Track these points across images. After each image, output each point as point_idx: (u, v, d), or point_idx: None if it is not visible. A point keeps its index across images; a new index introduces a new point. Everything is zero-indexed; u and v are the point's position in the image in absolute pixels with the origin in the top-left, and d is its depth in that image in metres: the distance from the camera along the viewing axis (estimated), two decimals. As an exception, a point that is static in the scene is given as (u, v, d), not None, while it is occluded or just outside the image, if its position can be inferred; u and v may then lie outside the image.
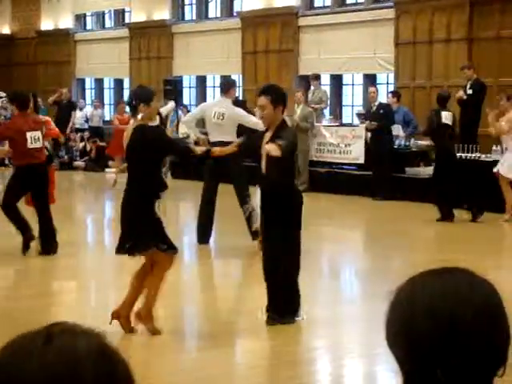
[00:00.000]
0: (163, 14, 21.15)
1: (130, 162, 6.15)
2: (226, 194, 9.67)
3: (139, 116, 6.11)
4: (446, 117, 11.77)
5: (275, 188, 6.24)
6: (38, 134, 8.91)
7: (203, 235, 9.63)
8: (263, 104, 6.22)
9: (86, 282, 8.38)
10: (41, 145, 8.98)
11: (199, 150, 6.71)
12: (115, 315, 6.02)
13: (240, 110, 10.06)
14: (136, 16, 21.83)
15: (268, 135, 6.26)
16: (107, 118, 22.54)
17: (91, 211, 14.64)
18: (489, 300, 1.36)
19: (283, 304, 6.31)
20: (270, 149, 5.91)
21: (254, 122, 9.37)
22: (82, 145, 20.88)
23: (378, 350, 5.51)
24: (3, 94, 23.92)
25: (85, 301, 7.66)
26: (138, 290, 6.06)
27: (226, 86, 10.25)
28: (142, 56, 21.83)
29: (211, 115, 9.76)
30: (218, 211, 9.74)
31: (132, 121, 6.40)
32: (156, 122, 9.08)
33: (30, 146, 8.74)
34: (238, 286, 8.41)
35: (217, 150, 6.68)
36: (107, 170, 19.72)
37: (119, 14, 23.23)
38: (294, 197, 6.31)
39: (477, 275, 1.41)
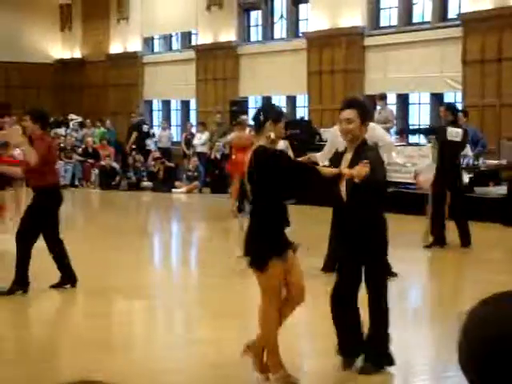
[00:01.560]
0: (229, 35, 21.37)
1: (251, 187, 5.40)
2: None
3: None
4: (453, 133, 11.18)
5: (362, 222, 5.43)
6: None
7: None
8: (351, 117, 5.50)
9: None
10: None
11: (329, 172, 5.47)
12: (245, 350, 5.47)
13: (380, 130, 9.06)
14: (202, 38, 22.11)
15: (348, 157, 5.55)
16: (175, 139, 22.84)
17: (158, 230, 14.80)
18: None
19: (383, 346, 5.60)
20: (355, 173, 5.21)
21: (389, 141, 9.14)
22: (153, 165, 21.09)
23: (449, 373, 5.42)
24: (75, 117, 24.53)
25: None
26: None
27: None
28: (208, 77, 22.07)
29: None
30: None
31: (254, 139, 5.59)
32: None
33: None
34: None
35: (347, 171, 5.35)
36: (174, 190, 19.96)
37: (186, 37, 23.57)
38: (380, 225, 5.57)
39: None
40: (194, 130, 21.85)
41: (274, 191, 5.22)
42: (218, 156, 19.75)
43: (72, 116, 24.68)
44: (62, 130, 23.58)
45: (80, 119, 24.48)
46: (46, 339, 6.96)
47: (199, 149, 20.59)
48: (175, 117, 24.49)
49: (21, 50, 25.38)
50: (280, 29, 20.92)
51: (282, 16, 20.76)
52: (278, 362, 5.28)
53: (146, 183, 20.87)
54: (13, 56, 25.22)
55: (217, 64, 21.73)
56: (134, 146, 21.95)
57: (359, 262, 5.47)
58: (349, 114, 5.51)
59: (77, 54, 26.28)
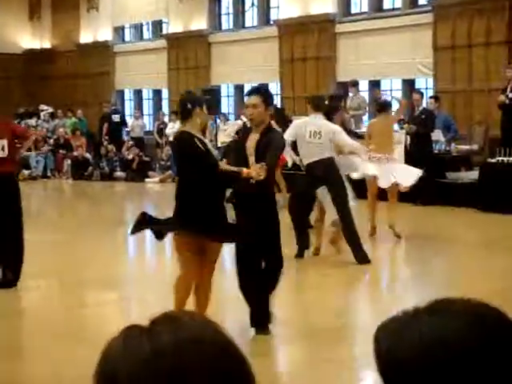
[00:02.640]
0: (200, 24, 21.29)
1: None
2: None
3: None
4: None
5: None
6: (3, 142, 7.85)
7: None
8: (255, 103, 6.16)
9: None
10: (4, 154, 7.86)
11: (229, 170, 6.09)
12: None
13: (342, 135, 9.10)
14: (173, 27, 22.00)
15: (254, 137, 6.23)
16: (147, 129, 22.75)
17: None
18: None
19: None
20: (254, 175, 5.78)
21: (350, 143, 9.20)
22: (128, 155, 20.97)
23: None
24: (46, 108, 24.31)
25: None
26: None
27: (318, 101, 9.33)
28: (180, 66, 21.97)
29: (305, 134, 8.94)
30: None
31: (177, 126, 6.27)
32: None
33: None
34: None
35: (246, 171, 5.92)
36: (147, 180, 19.89)
37: (157, 26, 23.43)
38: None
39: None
40: (166, 119, 21.76)
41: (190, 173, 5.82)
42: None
43: (43, 106, 24.45)
44: (32, 121, 23.37)
45: (51, 110, 24.27)
46: (18, 331, 6.92)
47: (172, 138, 20.50)
48: (147, 106, 24.37)
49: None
50: (251, 17, 20.88)
51: (253, 4, 20.71)
52: None
53: (119, 173, 20.77)
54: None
55: (188, 53, 21.64)
56: (106, 137, 21.86)
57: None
58: (253, 99, 6.15)
59: (46, 43, 26.02)
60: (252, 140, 6.21)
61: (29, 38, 26.24)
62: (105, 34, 24.18)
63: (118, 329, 1.17)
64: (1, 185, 7.74)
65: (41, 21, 26.01)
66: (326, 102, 9.91)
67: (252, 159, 6.11)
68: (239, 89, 21.40)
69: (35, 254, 8.75)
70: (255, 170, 5.79)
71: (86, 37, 24.71)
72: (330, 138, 8.92)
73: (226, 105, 21.61)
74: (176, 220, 5.85)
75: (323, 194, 9.17)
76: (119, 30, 24.34)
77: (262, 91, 6.38)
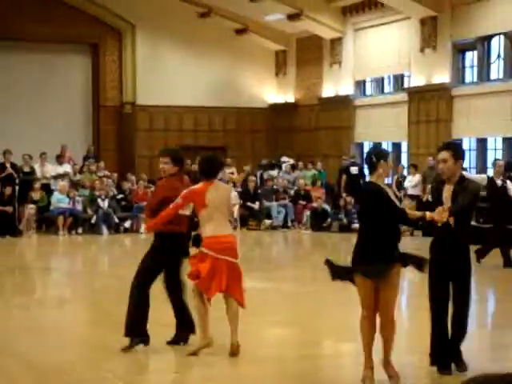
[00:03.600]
0: (443, 77, 21.07)
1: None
2: None
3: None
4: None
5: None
6: None
7: None
8: (444, 157, 6.67)
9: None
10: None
11: (413, 214, 6.67)
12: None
13: None
14: (415, 80, 21.95)
15: (448, 187, 6.73)
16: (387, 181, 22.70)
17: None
18: None
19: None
20: (436, 217, 6.42)
21: None
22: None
23: None
24: (287, 159, 25.11)
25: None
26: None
27: None
28: (420, 119, 21.84)
29: None
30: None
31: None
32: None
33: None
34: None
35: (429, 215, 6.59)
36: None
37: (398, 79, 23.51)
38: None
39: None
40: (405, 172, 21.63)
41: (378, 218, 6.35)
42: (430, 199, 19.39)
43: (284, 158, 25.28)
44: (274, 172, 24.22)
45: (292, 161, 25.01)
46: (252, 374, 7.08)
47: (410, 191, 20.35)
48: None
49: (238, 95, 26.43)
50: (497, 69, 20.34)
51: (499, 56, 20.19)
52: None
53: (357, 225, 20.82)
54: (230, 101, 26.31)
55: (429, 106, 21.46)
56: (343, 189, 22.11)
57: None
58: (443, 154, 6.69)
59: (290, 97, 26.96)
60: (447, 191, 6.73)
61: (274, 93, 27.34)
62: (346, 88, 24.63)
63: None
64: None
65: (286, 76, 27.03)
66: None
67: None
68: (481, 142, 20.87)
69: (271, 302, 8.95)
70: (438, 213, 6.40)
71: (328, 91, 25.32)
72: None
73: (468, 159, 21.11)
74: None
75: None
76: (360, 84, 24.69)
77: (451, 146, 6.88)
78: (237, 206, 22.43)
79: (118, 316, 6.98)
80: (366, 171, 23.37)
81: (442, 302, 6.65)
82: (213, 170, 7.41)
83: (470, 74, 21.16)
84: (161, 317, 7.81)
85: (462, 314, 6.70)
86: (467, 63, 21.26)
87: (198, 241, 7.55)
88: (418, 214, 6.60)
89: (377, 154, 6.51)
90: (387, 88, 24.20)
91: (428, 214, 6.47)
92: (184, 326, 7.69)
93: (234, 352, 7.26)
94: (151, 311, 7.42)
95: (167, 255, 7.51)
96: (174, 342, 7.69)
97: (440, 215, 6.40)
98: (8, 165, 20.98)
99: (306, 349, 8.01)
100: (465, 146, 21.04)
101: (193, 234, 8.10)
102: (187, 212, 7.48)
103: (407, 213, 6.52)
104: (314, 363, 7.34)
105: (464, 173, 7.08)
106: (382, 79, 24.25)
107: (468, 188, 6.64)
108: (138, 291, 7.43)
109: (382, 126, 23.29)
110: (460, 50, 21.19)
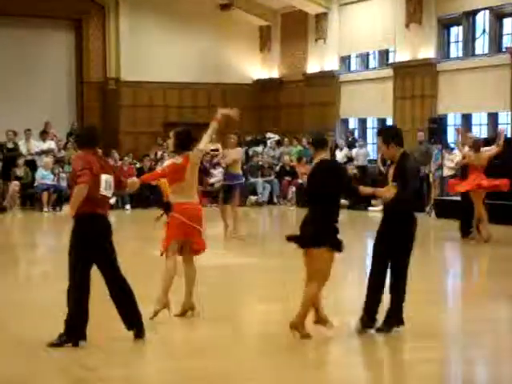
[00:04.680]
0: (428, 52, 21.05)
1: None
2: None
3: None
4: None
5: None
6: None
7: None
8: (379, 145, 7.57)
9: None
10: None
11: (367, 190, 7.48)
12: (293, 326, 7.05)
13: None
14: (400, 55, 21.91)
15: (392, 166, 7.37)
16: (371, 157, 22.75)
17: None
18: None
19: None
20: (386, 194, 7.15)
21: None
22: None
23: None
24: (272, 135, 25.06)
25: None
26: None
27: None
28: (405, 95, 21.83)
29: None
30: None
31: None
32: None
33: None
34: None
35: (379, 192, 7.40)
36: (370, 208, 19.88)
37: (383, 54, 23.46)
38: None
39: None
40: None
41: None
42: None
43: (269, 134, 25.23)
44: (259, 148, 24.18)
45: (277, 137, 24.95)
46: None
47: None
48: (371, 135, 24.40)
49: (222, 71, 26.29)
50: (482, 44, 20.35)
51: (484, 31, 20.18)
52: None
53: (343, 201, 20.84)
54: (215, 77, 26.17)
55: (415, 81, 21.45)
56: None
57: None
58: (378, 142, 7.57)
59: (275, 73, 26.85)
60: (391, 169, 7.38)
61: (259, 69, 27.22)
62: (331, 64, 24.56)
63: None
64: None
65: (270, 52, 26.91)
66: None
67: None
68: (466, 118, 20.91)
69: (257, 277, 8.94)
70: (387, 190, 7.15)
71: (312, 66, 25.24)
72: None
73: (453, 135, 21.13)
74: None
75: None
76: (345, 60, 24.62)
77: (381, 132, 7.60)
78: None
79: (102, 289, 6.97)
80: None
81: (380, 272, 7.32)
82: (189, 144, 8.09)
83: (455, 50, 21.15)
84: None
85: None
86: (452, 38, 21.24)
87: (168, 207, 7.98)
88: (369, 190, 7.44)
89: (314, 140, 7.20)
90: (372, 63, 24.15)
91: (378, 191, 7.28)
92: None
93: (186, 310, 7.99)
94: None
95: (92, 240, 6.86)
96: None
97: (389, 192, 7.10)
98: (-11, 142, 20.84)
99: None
100: (450, 121, 21.08)
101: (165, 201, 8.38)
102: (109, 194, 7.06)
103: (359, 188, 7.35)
104: (299, 338, 7.36)
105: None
106: (367, 55, 24.19)
107: (406, 167, 7.22)
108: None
109: (367, 102, 23.26)
110: (445, 25, 21.16)
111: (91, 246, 6.83)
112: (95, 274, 7.02)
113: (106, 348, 6.91)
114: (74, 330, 6.86)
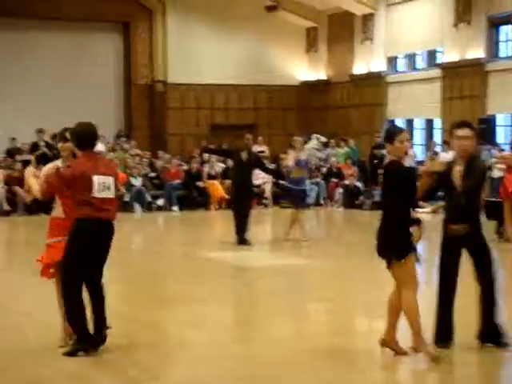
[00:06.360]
0: (477, 52, 20.80)
1: None
2: None
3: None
4: None
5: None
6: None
7: None
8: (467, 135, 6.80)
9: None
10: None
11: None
12: (383, 343, 6.57)
13: None
14: (449, 55, 21.69)
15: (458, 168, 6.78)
16: (418, 158, 22.56)
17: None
18: None
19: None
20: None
21: None
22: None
23: None
24: (321, 137, 24.94)
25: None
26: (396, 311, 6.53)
27: None
28: (454, 95, 21.61)
29: None
30: None
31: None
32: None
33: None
34: None
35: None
36: (417, 210, 19.67)
37: (431, 55, 23.25)
38: None
39: None
40: (437, 148, 21.45)
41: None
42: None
43: (315, 136, 25.11)
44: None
45: (324, 139, 24.83)
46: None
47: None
48: (419, 136, 24.20)
49: (269, 72, 26.29)
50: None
51: (533, 30, 19.91)
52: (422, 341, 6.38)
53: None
54: (261, 79, 26.19)
55: (463, 81, 21.21)
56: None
57: None
58: (465, 132, 6.79)
59: (321, 75, 26.77)
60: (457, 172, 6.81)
61: (305, 70, 27.17)
62: (378, 65, 24.42)
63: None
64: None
65: (317, 53, 26.84)
66: None
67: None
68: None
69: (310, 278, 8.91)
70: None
71: (359, 67, 25.12)
72: None
73: (503, 135, 20.89)
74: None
75: None
76: (392, 61, 24.46)
77: (471, 125, 6.97)
78: (269, 184, 22.45)
79: (148, 292, 6.98)
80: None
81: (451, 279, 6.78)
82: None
83: (505, 49, 20.87)
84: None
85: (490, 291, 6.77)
86: (502, 38, 20.97)
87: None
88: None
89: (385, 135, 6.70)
90: (420, 64, 23.95)
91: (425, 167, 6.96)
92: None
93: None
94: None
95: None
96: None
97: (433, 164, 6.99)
98: (42, 143, 21.13)
99: (340, 325, 8.00)
100: (499, 121, 20.82)
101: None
102: None
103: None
104: (348, 340, 7.32)
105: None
106: (415, 55, 24.00)
107: (477, 166, 6.84)
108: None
109: (415, 103, 23.08)
110: (494, 25, 20.90)
111: (85, 250, 6.58)
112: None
113: (162, 348, 6.95)
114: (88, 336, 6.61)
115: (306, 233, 14.50)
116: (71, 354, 6.56)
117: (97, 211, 6.56)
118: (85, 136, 6.72)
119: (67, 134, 6.93)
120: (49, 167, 7.05)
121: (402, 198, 6.37)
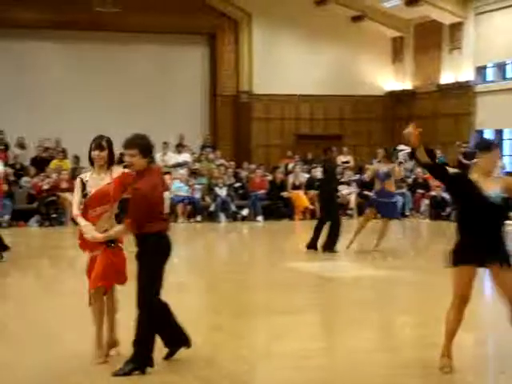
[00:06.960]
0: None
1: None
2: None
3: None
4: None
5: None
6: None
7: None
8: None
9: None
10: None
11: None
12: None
13: None
14: (540, 64, 21.17)
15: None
16: (507, 169, 22.08)
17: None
18: None
19: None
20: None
21: None
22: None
23: None
24: (404, 147, 24.66)
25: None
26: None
27: None
28: (545, 105, 21.07)
29: None
30: None
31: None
32: None
33: None
34: None
35: None
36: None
37: (521, 64, 22.74)
38: None
39: None
40: (529, 160, 20.93)
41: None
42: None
43: (401, 147, 24.85)
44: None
45: (409, 150, 24.53)
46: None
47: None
48: (508, 146, 23.67)
49: (354, 83, 26.17)
50: None
51: None
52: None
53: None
54: (346, 89, 26.07)
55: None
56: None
57: None
58: None
59: (407, 85, 26.48)
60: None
61: (391, 80, 26.92)
62: (466, 74, 23.99)
63: None
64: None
65: (403, 63, 26.56)
66: None
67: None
68: None
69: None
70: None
71: (447, 77, 24.73)
72: None
73: None
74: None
75: None
76: (481, 70, 24.00)
77: None
78: (354, 195, 22.32)
79: (233, 301, 6.99)
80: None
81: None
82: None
83: None
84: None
85: None
86: None
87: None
88: None
89: (477, 145, 6.70)
90: (509, 73, 23.42)
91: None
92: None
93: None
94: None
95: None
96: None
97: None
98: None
99: (427, 338, 7.86)
100: None
101: None
102: None
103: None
104: (436, 352, 7.18)
105: None
106: (505, 64, 23.49)
107: None
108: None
109: (505, 113, 22.58)
110: None
111: (164, 265, 6.75)
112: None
113: (249, 359, 6.95)
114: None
115: (380, 243, 14.55)
116: (125, 374, 6.26)
117: (167, 224, 6.66)
118: (151, 147, 6.83)
119: (103, 143, 6.89)
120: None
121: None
